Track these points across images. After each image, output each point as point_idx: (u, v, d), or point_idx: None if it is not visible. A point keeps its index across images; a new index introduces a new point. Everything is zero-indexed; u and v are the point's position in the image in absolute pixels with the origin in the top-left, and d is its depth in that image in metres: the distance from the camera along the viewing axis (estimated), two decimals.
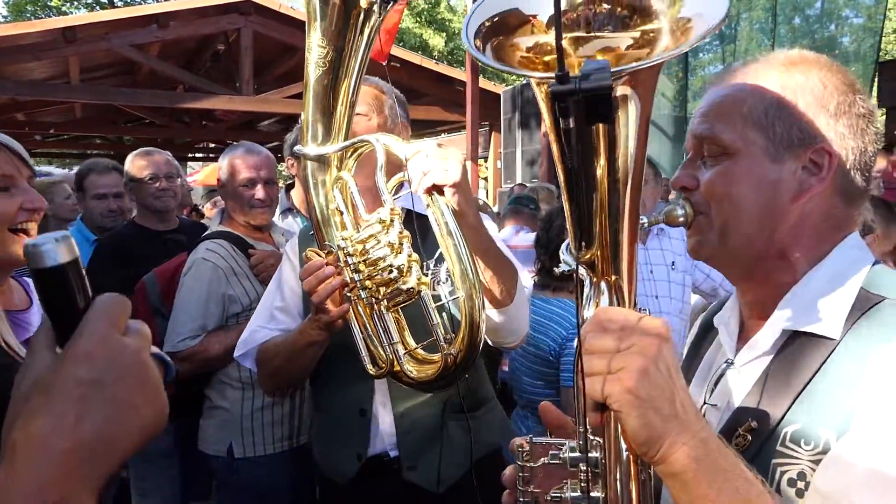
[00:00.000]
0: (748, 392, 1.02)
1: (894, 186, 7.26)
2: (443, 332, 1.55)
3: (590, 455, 0.94)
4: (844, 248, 1.02)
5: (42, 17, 22.75)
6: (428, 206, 1.53)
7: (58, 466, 0.59)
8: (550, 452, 0.99)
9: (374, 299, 1.59)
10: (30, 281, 1.94)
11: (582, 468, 0.95)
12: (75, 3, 26.58)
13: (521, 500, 1.04)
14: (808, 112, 1.00)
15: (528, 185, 7.70)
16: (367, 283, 1.57)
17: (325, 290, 1.62)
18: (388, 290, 1.56)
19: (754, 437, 0.96)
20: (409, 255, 1.53)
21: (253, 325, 2.05)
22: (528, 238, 4.45)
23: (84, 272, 0.68)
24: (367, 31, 1.58)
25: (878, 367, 0.88)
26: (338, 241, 1.62)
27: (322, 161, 1.66)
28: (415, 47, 25.48)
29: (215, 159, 19.51)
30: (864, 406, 0.87)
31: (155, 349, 0.68)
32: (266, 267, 2.64)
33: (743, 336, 1.11)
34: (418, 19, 27.82)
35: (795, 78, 1.01)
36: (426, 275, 1.60)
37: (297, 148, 1.67)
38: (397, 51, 11.89)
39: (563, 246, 0.95)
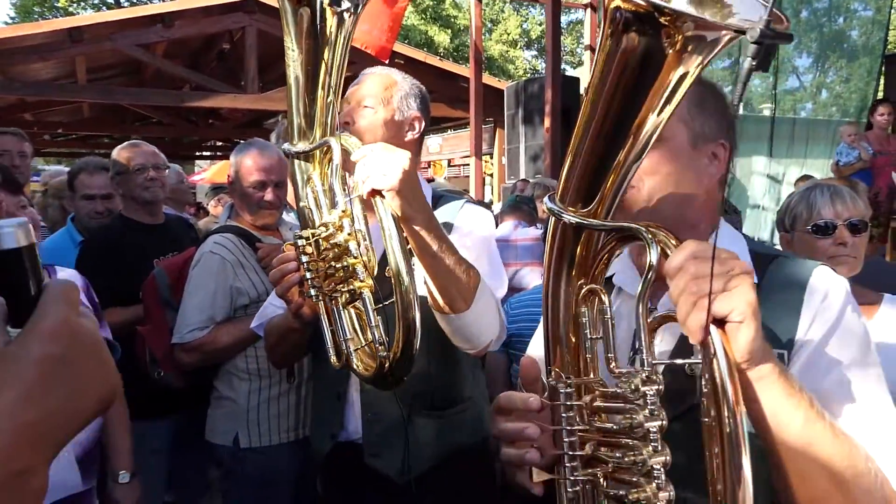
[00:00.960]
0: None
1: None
2: (378, 334, 1.52)
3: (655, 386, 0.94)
4: (723, 223, 1.29)
5: (49, 18, 22.87)
6: (365, 205, 1.51)
7: (24, 437, 0.62)
8: (607, 387, 1.02)
9: (327, 297, 1.58)
10: (57, 268, 2.01)
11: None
12: (82, 3, 26.72)
13: (569, 441, 1.04)
14: (717, 113, 1.26)
15: (531, 180, 7.73)
16: (316, 281, 1.58)
17: (285, 285, 1.68)
18: (336, 290, 1.55)
19: None
20: (356, 257, 1.49)
21: (269, 299, 2.14)
22: (527, 232, 4.52)
23: (38, 257, 0.72)
24: (342, 30, 1.57)
25: (807, 299, 1.17)
26: (296, 240, 1.62)
27: (307, 159, 1.65)
28: (420, 44, 25.53)
29: (223, 157, 19.64)
30: (804, 329, 1.15)
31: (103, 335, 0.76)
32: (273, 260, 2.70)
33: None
34: (423, 16, 27.86)
35: (707, 84, 1.27)
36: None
37: (284, 146, 1.68)
38: (402, 48, 11.93)
39: (547, 197, 1.07)
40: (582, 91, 10.16)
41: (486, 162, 13.41)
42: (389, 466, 1.94)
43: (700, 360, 0.92)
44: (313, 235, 1.57)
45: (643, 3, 0.81)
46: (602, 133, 0.96)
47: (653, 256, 0.93)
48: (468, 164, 12.40)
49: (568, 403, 1.05)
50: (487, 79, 11.49)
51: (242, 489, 2.70)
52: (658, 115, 0.92)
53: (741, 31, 0.79)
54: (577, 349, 1.08)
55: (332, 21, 1.53)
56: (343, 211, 1.52)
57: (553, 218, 1.06)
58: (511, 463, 1.11)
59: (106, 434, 2.36)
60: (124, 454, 2.45)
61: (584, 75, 10.64)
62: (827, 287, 1.19)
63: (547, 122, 8.80)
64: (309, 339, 1.94)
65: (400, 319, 1.46)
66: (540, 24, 32.75)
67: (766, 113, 11.73)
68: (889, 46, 12.93)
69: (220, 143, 19.72)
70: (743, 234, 1.35)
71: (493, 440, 1.15)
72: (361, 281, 1.50)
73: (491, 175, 13.90)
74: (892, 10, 11.66)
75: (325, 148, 1.60)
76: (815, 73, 12.89)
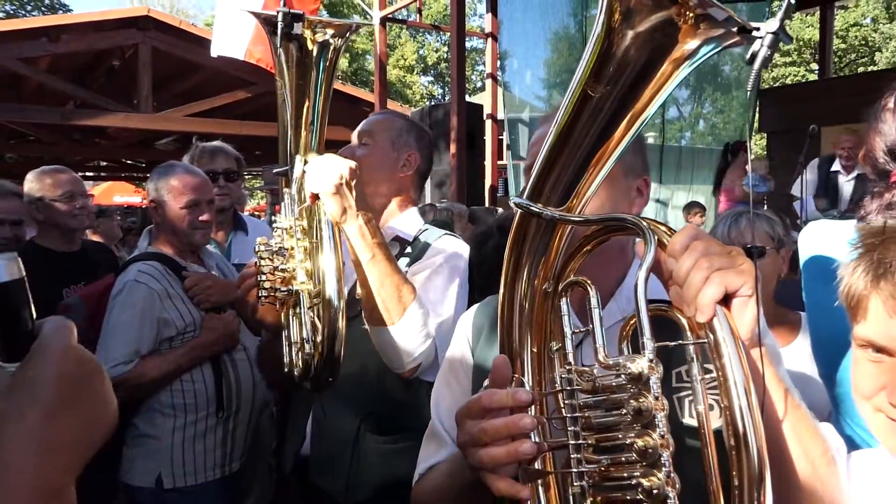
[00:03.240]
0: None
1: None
2: (306, 332, 1.64)
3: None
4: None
5: None
6: (309, 212, 1.68)
7: (54, 458, 0.64)
8: (606, 377, 0.94)
9: (277, 300, 1.71)
10: None
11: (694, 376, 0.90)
12: None
13: (573, 430, 0.96)
14: (640, 150, 1.35)
15: (438, 205, 7.80)
16: (267, 283, 1.70)
17: (243, 290, 1.84)
18: (281, 290, 1.69)
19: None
20: (301, 261, 1.65)
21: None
22: None
23: (28, 291, 0.73)
24: (324, 60, 1.72)
25: None
26: (257, 247, 1.75)
27: (286, 179, 1.80)
28: None
29: (108, 178, 18.66)
30: None
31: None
32: (203, 289, 2.59)
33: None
34: None
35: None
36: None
37: (274, 170, 1.85)
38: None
39: (516, 196, 1.05)
40: (484, 116, 10.41)
41: None
42: (334, 486, 1.92)
43: (705, 341, 0.89)
44: (273, 243, 1.72)
45: None
46: (587, 129, 0.96)
47: (651, 245, 0.92)
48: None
49: (569, 389, 0.96)
50: (390, 104, 11.56)
51: None
52: (643, 113, 0.93)
53: (747, 30, 0.81)
54: (539, 358, 1.04)
55: (314, 51, 1.69)
56: (296, 218, 1.68)
57: (519, 218, 1.04)
58: (498, 464, 0.97)
59: None
60: None
61: (485, 102, 10.89)
62: None
63: (452, 148, 8.92)
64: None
65: (324, 318, 1.58)
66: (436, 51, 33.32)
67: (651, 141, 12.43)
68: (761, 82, 14.02)
69: (105, 164, 18.75)
70: None
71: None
72: (301, 283, 1.64)
73: None
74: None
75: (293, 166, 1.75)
76: (693, 105, 13.81)
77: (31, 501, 0.62)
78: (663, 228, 0.95)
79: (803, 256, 2.51)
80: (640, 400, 0.88)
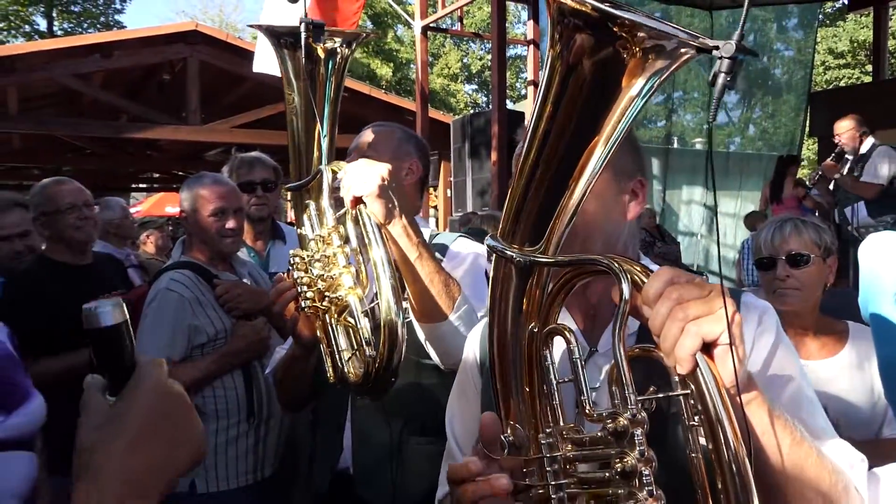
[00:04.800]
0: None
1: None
2: (366, 334, 1.62)
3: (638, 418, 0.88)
4: (644, 259, 1.35)
5: None
6: (353, 219, 1.66)
7: (135, 482, 0.72)
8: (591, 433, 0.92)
9: (320, 311, 1.71)
10: None
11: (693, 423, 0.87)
12: (13, 31, 25.91)
13: (558, 497, 0.94)
14: (632, 151, 1.29)
15: (479, 213, 7.79)
16: (309, 294, 1.70)
17: (280, 305, 1.81)
18: (327, 299, 1.68)
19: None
20: (344, 267, 1.64)
21: (280, 345, 2.20)
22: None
23: (132, 332, 0.84)
24: (332, 70, 1.74)
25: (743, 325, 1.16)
26: (291, 258, 1.76)
27: (305, 191, 1.81)
28: (362, 77, 25.65)
29: (160, 190, 19.16)
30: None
31: None
32: (233, 297, 2.63)
33: (589, 325, 1.28)
34: (365, 49, 28.04)
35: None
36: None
37: (288, 185, 1.87)
38: (346, 81, 11.94)
39: (489, 236, 1.03)
40: (526, 124, 10.37)
41: (431, 194, 13.48)
42: (379, 496, 1.93)
43: (687, 392, 0.86)
44: (307, 254, 1.71)
45: (593, 9, 0.79)
46: (550, 163, 0.94)
47: (624, 287, 0.87)
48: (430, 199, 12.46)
49: (549, 455, 0.95)
50: (432, 112, 11.60)
51: None
52: (608, 140, 0.90)
53: (707, 49, 0.77)
54: (532, 398, 1.01)
55: (322, 62, 1.70)
56: (332, 226, 1.67)
57: (496, 258, 1.02)
58: None
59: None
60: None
61: (527, 109, 10.87)
62: (759, 312, 1.23)
63: (494, 156, 8.91)
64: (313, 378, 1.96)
65: (384, 323, 1.56)
66: (480, 59, 33.39)
67: (699, 147, 12.19)
68: (813, 85, 13.66)
69: (157, 175, 19.26)
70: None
71: None
72: (350, 288, 1.63)
73: (436, 207, 13.97)
74: (813, 51, 12.34)
75: (320, 177, 1.74)
76: (743, 110, 13.51)
77: None
78: (638, 269, 0.90)
79: (864, 272, 2.41)
80: (625, 459, 0.86)
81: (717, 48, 0.76)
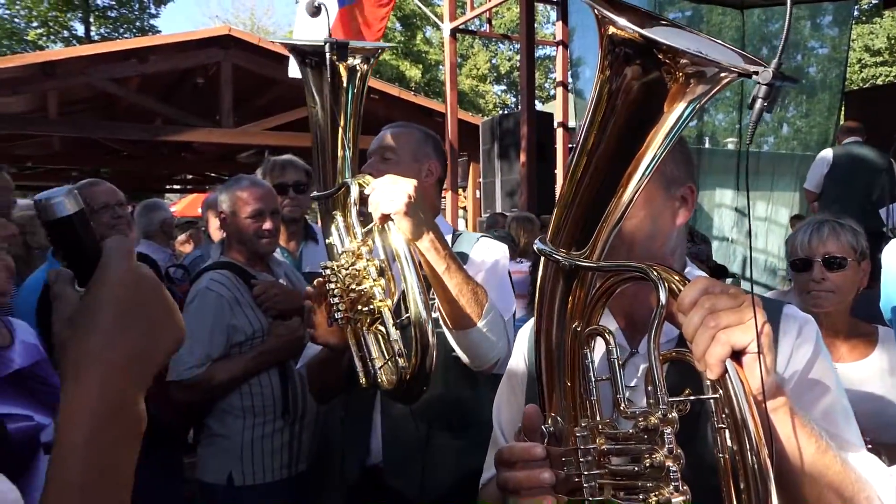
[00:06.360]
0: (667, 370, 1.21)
1: None
2: (398, 346, 1.68)
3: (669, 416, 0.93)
4: (691, 265, 1.38)
5: (19, 52, 22.65)
6: (381, 232, 1.71)
7: (113, 375, 0.71)
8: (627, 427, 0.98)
9: (352, 321, 1.76)
10: (12, 320, 1.99)
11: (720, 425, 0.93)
12: (52, 37, 26.53)
13: (589, 487, 1.00)
14: (683, 160, 1.33)
15: (508, 213, 7.82)
16: (341, 305, 1.74)
17: (317, 315, 1.87)
18: (359, 311, 1.73)
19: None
20: (375, 280, 1.69)
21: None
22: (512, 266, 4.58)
23: (88, 219, 0.81)
24: (351, 87, 1.80)
25: (782, 335, 1.23)
26: (322, 270, 1.81)
27: (332, 201, 1.87)
28: (392, 79, 25.77)
29: (193, 191, 19.47)
30: (783, 365, 1.20)
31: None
32: (270, 297, 2.71)
33: (631, 328, 1.32)
34: (395, 51, 28.20)
35: None
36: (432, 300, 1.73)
37: (313, 194, 1.92)
38: (375, 83, 12.05)
39: (538, 239, 1.09)
40: (555, 125, 10.36)
41: (460, 195, 13.51)
42: (408, 487, 2.00)
43: (716, 396, 0.92)
44: (337, 266, 1.74)
45: (639, 34, 0.84)
46: (597, 175, 0.99)
47: (661, 295, 0.94)
48: (444, 198, 12.50)
49: (584, 448, 1.01)
50: (461, 114, 11.64)
51: None
52: (653, 156, 0.95)
53: (747, 74, 0.81)
54: (573, 393, 1.07)
55: (344, 75, 1.74)
56: (361, 240, 1.71)
57: (544, 260, 1.08)
58: None
59: None
60: None
61: (556, 110, 10.85)
62: (799, 323, 1.26)
63: (522, 157, 8.94)
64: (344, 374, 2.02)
65: (416, 334, 1.61)
66: (509, 60, 33.34)
67: (731, 147, 12.03)
68: (847, 83, 13.41)
69: (190, 177, 19.59)
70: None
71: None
72: (381, 301, 1.67)
73: (465, 209, 14.00)
74: (847, 49, 12.11)
75: (345, 189, 1.78)
76: (776, 108, 13.28)
77: (99, 415, 0.69)
78: (676, 278, 0.96)
79: (888, 275, 2.39)
80: (654, 455, 0.92)
81: (756, 73, 0.80)
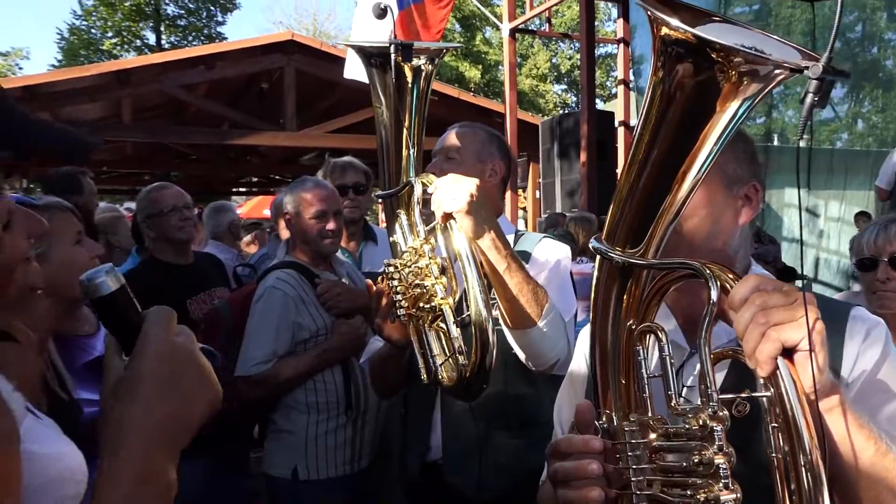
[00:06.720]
0: (727, 370, 1.23)
1: None
2: (458, 344, 1.70)
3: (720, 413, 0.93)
4: (755, 265, 1.37)
5: (95, 61, 23.67)
6: (444, 231, 1.72)
7: (150, 444, 0.78)
8: (675, 423, 0.99)
9: (413, 317, 1.78)
10: None
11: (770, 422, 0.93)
12: (125, 46, 27.65)
13: (636, 481, 1.01)
14: (747, 159, 1.32)
15: (567, 214, 7.76)
16: (404, 302, 1.77)
17: (382, 312, 1.90)
18: (421, 308, 1.75)
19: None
20: (437, 278, 1.70)
21: (375, 336, 2.29)
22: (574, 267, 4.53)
23: (130, 293, 0.87)
24: (416, 87, 1.82)
25: (848, 338, 1.21)
26: (386, 268, 1.84)
27: (395, 199, 1.90)
28: (451, 80, 25.88)
29: (259, 193, 19.97)
30: (849, 368, 1.19)
31: (200, 344, 0.91)
32: (333, 296, 2.78)
33: (691, 327, 1.30)
34: (454, 52, 28.27)
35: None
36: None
37: (376, 194, 1.95)
38: (434, 84, 12.09)
39: (594, 238, 1.10)
40: (616, 124, 10.22)
41: (520, 196, 13.48)
42: (467, 484, 2.03)
43: (768, 394, 0.91)
44: (400, 263, 1.78)
45: (692, 34, 0.84)
46: (652, 173, 0.99)
47: (713, 292, 0.93)
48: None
49: (633, 441, 1.02)
50: (521, 114, 11.61)
51: None
52: (708, 154, 0.95)
53: (798, 70, 0.81)
54: (627, 390, 1.07)
55: (409, 75, 1.77)
56: (424, 238, 1.73)
57: (599, 258, 1.08)
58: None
59: None
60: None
61: (617, 109, 10.71)
62: (867, 326, 1.23)
63: (583, 157, 8.86)
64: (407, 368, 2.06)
65: (476, 332, 1.63)
66: (569, 59, 33.03)
67: (803, 144, 11.60)
68: None
69: (255, 180, 20.09)
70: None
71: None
72: (442, 298, 1.69)
73: (525, 209, 13.95)
74: None
75: (409, 188, 1.81)
76: (850, 104, 12.78)
77: (136, 480, 0.75)
78: (730, 276, 0.96)
79: None
80: (703, 452, 0.92)
81: (807, 69, 0.79)
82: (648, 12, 0.88)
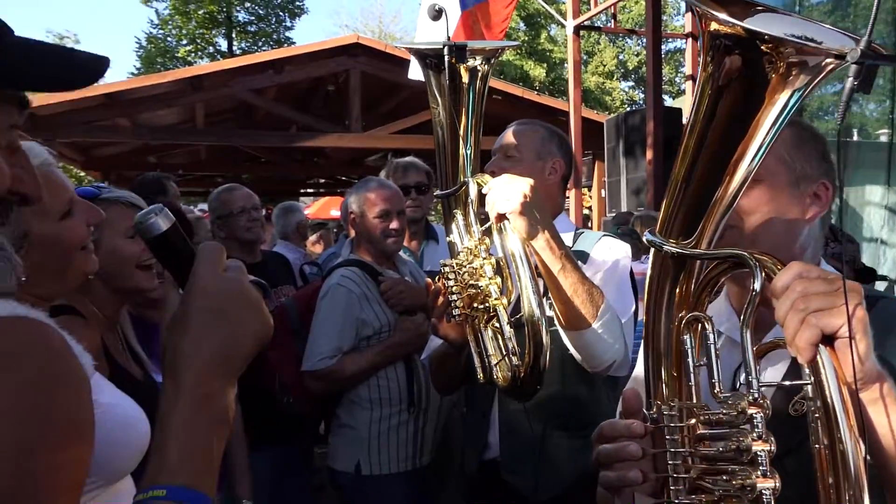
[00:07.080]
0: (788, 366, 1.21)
1: None
2: (512, 344, 1.70)
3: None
4: (824, 263, 1.36)
5: (171, 68, 24.58)
6: (499, 231, 1.72)
7: (202, 370, 0.84)
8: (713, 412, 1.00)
9: (469, 317, 1.80)
10: None
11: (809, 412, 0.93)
12: (199, 53, 28.63)
13: (674, 464, 1.03)
14: (818, 157, 1.31)
15: (634, 212, 7.63)
16: (459, 302, 1.79)
17: (437, 311, 1.91)
18: (476, 308, 1.77)
19: None
20: (490, 278, 1.71)
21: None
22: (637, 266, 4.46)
23: (182, 231, 0.93)
24: (472, 87, 1.84)
25: None
26: (442, 267, 1.86)
27: (453, 199, 1.93)
28: (516, 79, 25.77)
29: (325, 194, 20.35)
30: None
31: (251, 276, 0.96)
32: (396, 293, 2.82)
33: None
34: (518, 51, 28.16)
35: (805, 127, 1.36)
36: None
37: (436, 193, 2.00)
38: (498, 83, 12.11)
39: (648, 231, 1.11)
40: (684, 121, 9.99)
41: (585, 195, 13.32)
42: (524, 483, 2.03)
43: (809, 382, 0.91)
44: (456, 263, 1.80)
45: (741, 28, 0.84)
46: (704, 165, 1.00)
47: (757, 280, 0.94)
48: (568, 197, 12.37)
49: (672, 426, 1.04)
50: (585, 112, 11.47)
51: None
52: (759, 145, 0.95)
53: (841, 56, 0.79)
54: (677, 381, 1.08)
55: (464, 75, 1.79)
56: (479, 239, 1.75)
57: (654, 251, 1.09)
58: (611, 486, 1.10)
59: (229, 458, 2.52)
60: (246, 481, 2.61)
61: (685, 105, 10.46)
62: None
63: (649, 155, 8.70)
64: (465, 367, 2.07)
65: (529, 333, 1.63)
66: (636, 55, 32.44)
67: (884, 139, 11.09)
68: None
69: (322, 181, 20.48)
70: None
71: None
72: (496, 298, 1.70)
73: (590, 208, 13.79)
74: None
75: (465, 188, 1.83)
76: None
77: (192, 405, 0.83)
78: (777, 265, 0.96)
79: None
80: (742, 439, 0.93)
81: (844, 57, 0.78)
82: (696, 8, 0.88)
